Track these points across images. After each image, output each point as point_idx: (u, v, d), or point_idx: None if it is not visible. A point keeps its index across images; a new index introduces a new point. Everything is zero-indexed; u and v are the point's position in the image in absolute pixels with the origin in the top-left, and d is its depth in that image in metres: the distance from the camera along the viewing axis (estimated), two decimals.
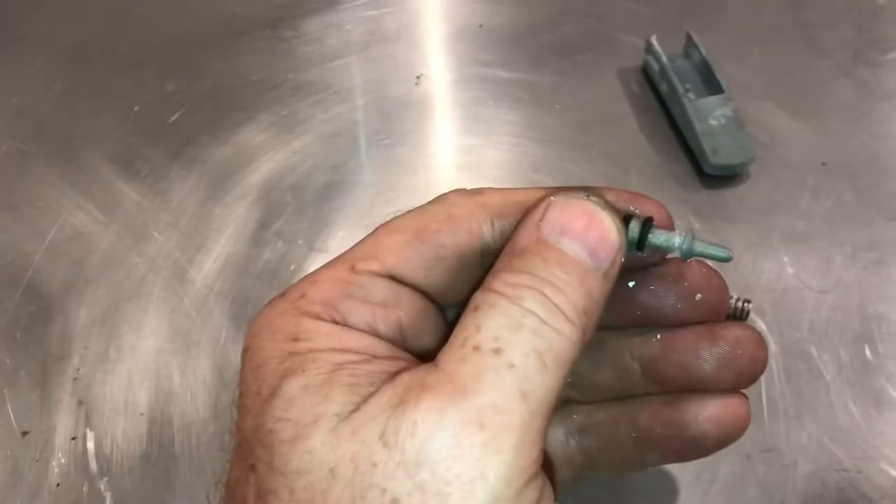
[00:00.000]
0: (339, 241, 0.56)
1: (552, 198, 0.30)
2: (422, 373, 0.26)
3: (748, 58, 0.65)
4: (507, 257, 0.29)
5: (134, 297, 0.53)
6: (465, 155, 0.61)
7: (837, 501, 0.43)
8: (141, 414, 0.48)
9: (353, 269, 0.30)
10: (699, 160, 0.58)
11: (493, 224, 0.31)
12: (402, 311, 0.30)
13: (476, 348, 0.26)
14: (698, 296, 0.33)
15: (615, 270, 0.30)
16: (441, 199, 0.32)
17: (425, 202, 0.32)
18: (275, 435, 0.25)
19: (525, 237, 0.29)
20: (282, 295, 0.30)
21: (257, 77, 0.67)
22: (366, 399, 0.25)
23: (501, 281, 0.27)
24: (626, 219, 0.31)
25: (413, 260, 0.30)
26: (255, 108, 0.65)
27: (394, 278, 0.30)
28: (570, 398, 0.36)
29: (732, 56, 0.64)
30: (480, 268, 0.31)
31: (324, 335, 0.28)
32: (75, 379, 0.50)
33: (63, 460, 0.47)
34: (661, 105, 0.62)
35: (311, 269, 0.54)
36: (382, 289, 0.30)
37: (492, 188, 0.32)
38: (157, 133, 0.63)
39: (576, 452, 0.35)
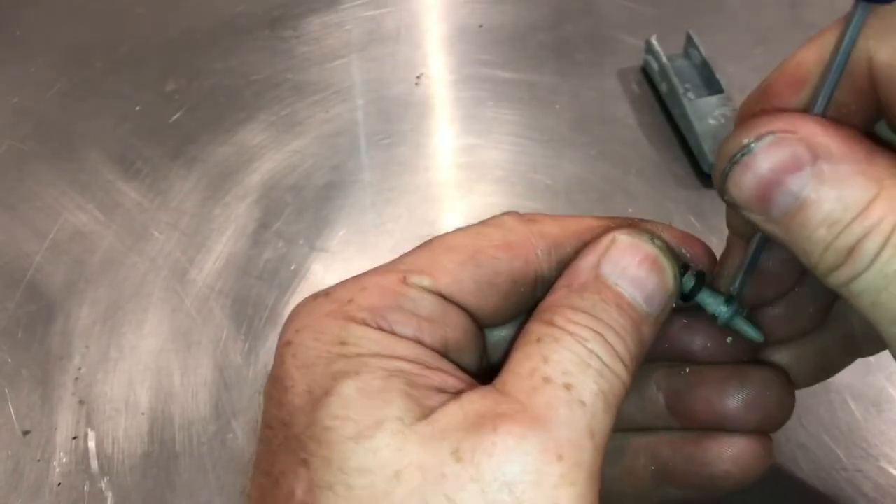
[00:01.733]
0: (340, 240, 0.56)
1: (617, 234, 0.30)
2: (492, 397, 0.26)
3: (748, 58, 0.65)
4: (566, 291, 0.29)
5: (135, 296, 0.53)
6: (465, 155, 0.61)
7: (838, 500, 0.43)
8: (142, 413, 0.48)
9: (404, 281, 0.30)
10: (699, 160, 0.58)
11: (550, 254, 0.31)
12: (449, 328, 0.30)
13: (546, 380, 0.26)
14: (729, 339, 0.33)
15: (665, 316, 0.30)
16: (497, 221, 0.32)
17: (479, 222, 0.32)
18: (333, 432, 0.25)
19: (585, 273, 0.29)
20: (326, 294, 0.30)
21: (257, 77, 0.67)
22: (431, 411, 0.26)
23: (564, 317, 0.28)
24: (682, 267, 0.31)
25: (467, 282, 0.30)
26: (255, 107, 0.65)
27: (443, 296, 0.30)
28: None
29: (732, 56, 0.64)
30: (531, 295, 0.31)
31: (372, 341, 0.28)
32: (76, 378, 0.50)
33: (64, 460, 0.47)
34: (661, 105, 0.63)
35: (313, 268, 0.55)
36: (431, 304, 0.29)
37: (547, 215, 0.32)
38: (157, 133, 0.63)
39: None
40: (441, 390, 0.27)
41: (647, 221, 0.32)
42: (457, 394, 0.26)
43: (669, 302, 0.30)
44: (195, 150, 0.62)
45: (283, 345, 0.29)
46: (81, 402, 0.49)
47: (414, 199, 0.58)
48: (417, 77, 0.67)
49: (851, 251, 0.24)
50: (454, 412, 0.25)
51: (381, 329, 0.28)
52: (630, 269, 0.29)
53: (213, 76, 0.67)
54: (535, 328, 0.28)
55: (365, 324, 0.28)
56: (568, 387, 0.26)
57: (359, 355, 0.27)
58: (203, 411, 0.48)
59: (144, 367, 0.50)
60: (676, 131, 0.61)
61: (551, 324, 0.28)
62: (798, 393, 0.47)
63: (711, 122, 0.57)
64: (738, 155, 0.26)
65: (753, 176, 0.26)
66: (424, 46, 0.69)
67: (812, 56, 0.27)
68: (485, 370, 0.32)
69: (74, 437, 0.48)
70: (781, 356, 0.34)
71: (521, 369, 0.27)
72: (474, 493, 0.24)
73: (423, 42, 0.70)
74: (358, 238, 0.56)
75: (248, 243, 0.56)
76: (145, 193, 0.59)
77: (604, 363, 0.27)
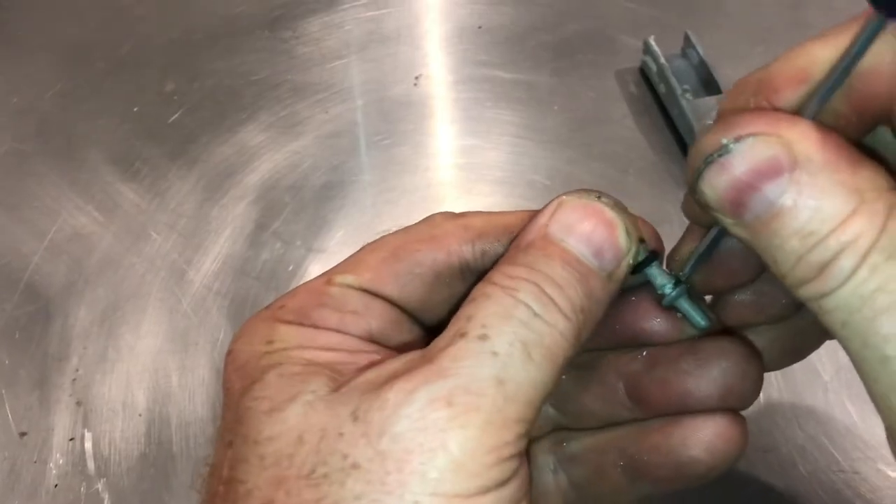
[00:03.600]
0: (338, 241, 0.56)
1: (564, 196, 0.30)
2: (409, 359, 0.27)
3: (747, 58, 0.65)
4: (512, 251, 0.30)
5: (133, 297, 0.54)
6: (465, 155, 0.61)
7: (835, 502, 0.43)
8: (139, 414, 0.48)
9: (329, 282, 0.31)
10: None
11: (473, 244, 0.31)
12: (373, 319, 0.31)
13: (463, 335, 0.26)
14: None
15: (621, 273, 0.30)
16: (428, 219, 0.33)
17: (414, 223, 0.33)
18: (252, 410, 0.27)
19: (532, 233, 0.29)
20: (268, 306, 0.31)
21: (257, 77, 0.67)
22: (345, 383, 0.27)
23: (501, 273, 0.28)
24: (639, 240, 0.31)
25: (387, 275, 0.31)
26: (255, 108, 0.65)
27: (367, 291, 0.31)
28: (560, 425, 0.35)
29: (731, 56, 0.64)
30: (462, 285, 0.32)
31: (295, 336, 0.29)
32: (74, 379, 0.50)
33: (61, 461, 0.47)
34: (660, 106, 0.62)
35: (310, 269, 0.55)
36: (355, 299, 0.31)
37: (478, 212, 0.33)
38: (156, 133, 0.63)
39: (565, 484, 0.34)
40: (365, 369, 0.28)
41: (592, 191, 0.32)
42: (378, 363, 0.28)
43: (623, 257, 0.29)
44: (195, 150, 0.62)
45: (227, 355, 0.30)
46: (79, 404, 0.49)
47: (414, 199, 0.58)
48: (417, 77, 0.67)
49: (825, 266, 0.23)
50: (364, 378, 0.27)
51: (304, 325, 0.30)
52: (576, 225, 0.29)
53: (212, 76, 0.67)
54: (475, 289, 0.28)
55: (290, 323, 0.30)
56: (483, 338, 0.26)
57: (284, 349, 0.29)
58: (200, 412, 0.48)
59: (142, 367, 0.50)
60: (675, 132, 0.60)
61: (488, 281, 0.28)
62: (796, 394, 0.47)
63: (710, 122, 0.57)
64: (715, 155, 0.25)
65: (729, 178, 0.25)
66: (424, 47, 0.69)
67: (824, 53, 0.26)
68: None
69: (71, 439, 0.48)
70: (754, 339, 0.33)
71: (448, 330, 0.27)
72: (364, 447, 0.25)
73: (422, 42, 0.70)
74: (356, 239, 0.56)
75: (246, 244, 0.56)
76: (144, 194, 0.59)
77: (534, 312, 0.27)
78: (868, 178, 0.24)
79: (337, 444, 0.25)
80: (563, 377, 0.31)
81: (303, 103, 0.65)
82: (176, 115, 0.65)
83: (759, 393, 0.32)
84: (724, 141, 0.25)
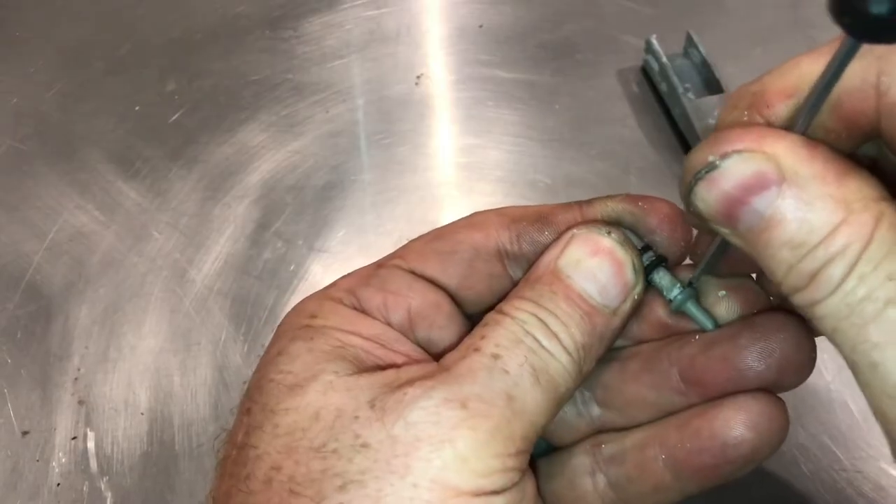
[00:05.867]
0: (339, 240, 0.56)
1: (575, 230, 0.32)
2: (426, 366, 0.29)
3: (748, 58, 0.65)
4: (523, 283, 0.31)
5: (134, 296, 0.53)
6: (465, 155, 0.61)
7: (837, 501, 0.43)
8: (141, 413, 0.48)
9: (380, 265, 0.34)
10: None
11: (509, 228, 0.33)
12: (414, 299, 0.32)
13: (476, 350, 0.28)
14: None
15: (627, 308, 0.31)
16: (469, 215, 0.35)
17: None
18: (275, 383, 0.29)
19: (542, 267, 0.31)
20: (329, 285, 0.34)
21: (257, 77, 0.67)
22: (368, 371, 0.29)
23: (511, 305, 0.30)
24: (643, 248, 0.32)
25: (430, 255, 0.33)
26: (255, 108, 0.65)
27: (412, 272, 0.33)
28: (600, 426, 0.35)
29: (732, 56, 0.64)
30: (499, 266, 0.33)
31: (339, 316, 0.31)
32: (76, 379, 0.50)
33: (63, 460, 0.47)
34: (661, 105, 0.62)
35: (312, 268, 0.55)
36: (399, 279, 0.33)
37: (515, 206, 0.35)
38: (157, 133, 0.63)
39: (603, 486, 0.34)
40: (384, 362, 0.30)
41: (612, 197, 0.33)
42: (400, 365, 0.30)
43: (629, 293, 0.31)
44: (195, 150, 0.62)
45: (279, 326, 0.32)
46: (81, 403, 0.49)
47: (414, 199, 0.58)
48: (417, 77, 0.67)
49: (815, 276, 0.24)
50: (386, 375, 0.28)
51: (353, 308, 0.32)
52: (584, 262, 0.31)
53: (213, 76, 0.67)
54: (489, 316, 0.30)
55: (339, 302, 0.32)
56: (495, 356, 0.28)
57: (324, 326, 0.31)
58: (202, 411, 0.48)
59: (144, 367, 0.50)
60: (676, 131, 0.60)
61: (499, 311, 0.30)
62: (798, 393, 0.47)
63: (711, 121, 0.57)
64: (703, 171, 0.26)
65: (718, 193, 0.26)
66: (424, 46, 0.69)
67: (813, 69, 0.26)
68: None
69: (73, 438, 0.48)
70: None
71: (462, 345, 0.29)
72: (378, 429, 0.27)
73: (423, 42, 0.70)
74: (357, 238, 0.56)
75: (248, 244, 0.56)
76: (145, 194, 0.59)
77: (539, 343, 0.29)
78: (856, 188, 0.24)
79: (351, 425, 0.27)
80: (606, 373, 0.33)
81: (303, 103, 0.65)
82: (176, 115, 0.65)
83: (813, 366, 0.32)
84: (711, 158, 0.25)
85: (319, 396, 0.28)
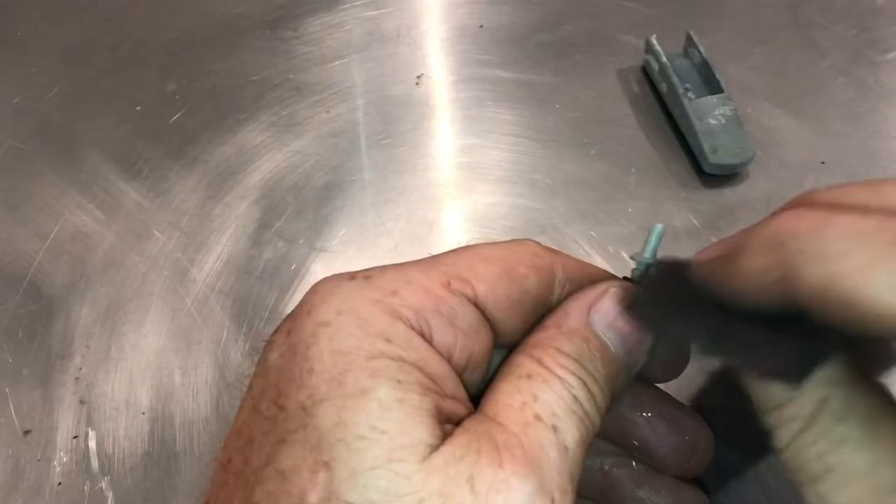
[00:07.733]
0: (340, 240, 0.56)
1: (611, 286, 0.32)
2: (486, 424, 0.27)
3: (748, 58, 0.65)
4: (555, 330, 0.31)
5: (135, 296, 0.54)
6: (465, 155, 0.61)
7: None
8: (143, 413, 0.48)
9: (448, 286, 0.29)
10: (699, 160, 0.58)
11: (564, 287, 0.32)
12: (478, 345, 0.30)
13: (537, 417, 0.27)
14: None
15: (639, 366, 0.32)
16: (523, 243, 0.32)
17: (505, 241, 0.32)
18: (367, 443, 0.25)
19: (576, 318, 0.31)
20: (366, 278, 0.29)
21: (257, 77, 0.67)
22: (447, 436, 0.27)
23: (553, 359, 0.29)
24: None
25: (501, 296, 0.30)
26: (256, 108, 0.65)
27: (480, 308, 0.30)
28: None
29: (732, 56, 0.64)
30: (534, 319, 0.32)
31: (415, 349, 0.28)
32: (77, 378, 0.50)
33: (65, 459, 0.47)
34: (661, 105, 0.63)
35: (313, 268, 0.55)
36: (470, 317, 0.30)
37: (568, 255, 0.33)
38: (157, 133, 0.63)
39: None
40: (452, 415, 0.28)
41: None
42: (459, 421, 0.28)
43: (645, 356, 0.32)
44: (196, 150, 0.62)
45: (321, 324, 0.27)
46: (82, 402, 0.49)
47: (414, 199, 0.58)
48: (417, 77, 0.67)
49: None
50: (464, 441, 0.26)
51: (423, 336, 0.28)
52: (618, 322, 0.31)
53: (213, 76, 0.67)
54: (524, 362, 0.29)
55: (410, 326, 0.28)
56: (555, 429, 0.27)
57: (401, 359, 0.27)
58: (204, 411, 0.48)
59: (145, 366, 0.50)
60: (676, 131, 0.61)
61: (540, 362, 0.29)
62: None
63: (711, 121, 0.58)
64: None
65: None
66: (424, 47, 0.69)
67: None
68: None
69: (75, 437, 0.48)
70: None
71: (512, 402, 0.28)
72: None
73: (423, 42, 0.70)
74: (358, 238, 0.56)
75: (249, 243, 0.56)
76: (146, 193, 0.59)
77: (585, 411, 0.28)
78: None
79: None
80: None
81: (303, 103, 0.65)
82: (177, 115, 0.65)
83: None
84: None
85: (422, 478, 0.25)
